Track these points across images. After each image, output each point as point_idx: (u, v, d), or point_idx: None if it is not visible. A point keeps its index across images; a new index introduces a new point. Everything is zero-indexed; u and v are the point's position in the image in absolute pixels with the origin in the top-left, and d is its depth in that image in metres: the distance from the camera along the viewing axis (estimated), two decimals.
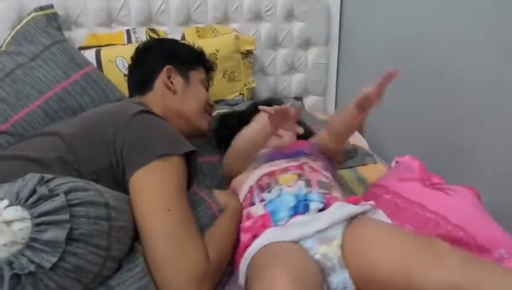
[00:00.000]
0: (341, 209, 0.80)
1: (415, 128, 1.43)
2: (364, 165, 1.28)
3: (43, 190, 0.59)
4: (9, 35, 1.23)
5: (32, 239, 0.56)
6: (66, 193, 0.60)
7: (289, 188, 0.87)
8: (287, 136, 1.09)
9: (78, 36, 1.40)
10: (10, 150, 0.85)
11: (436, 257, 0.66)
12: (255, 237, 0.78)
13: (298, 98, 1.70)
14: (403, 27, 1.43)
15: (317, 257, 0.73)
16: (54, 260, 0.56)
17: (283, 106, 0.88)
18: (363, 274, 0.71)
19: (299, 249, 0.75)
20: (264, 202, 0.86)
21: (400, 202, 0.95)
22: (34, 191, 0.59)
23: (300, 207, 0.82)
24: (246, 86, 1.55)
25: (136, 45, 1.15)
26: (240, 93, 1.54)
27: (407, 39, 1.41)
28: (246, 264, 0.76)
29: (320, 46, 1.71)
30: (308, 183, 0.88)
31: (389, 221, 0.85)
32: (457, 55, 1.22)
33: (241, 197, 0.94)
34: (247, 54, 1.55)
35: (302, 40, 1.68)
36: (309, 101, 1.76)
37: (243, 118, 1.15)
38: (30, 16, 1.25)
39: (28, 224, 0.56)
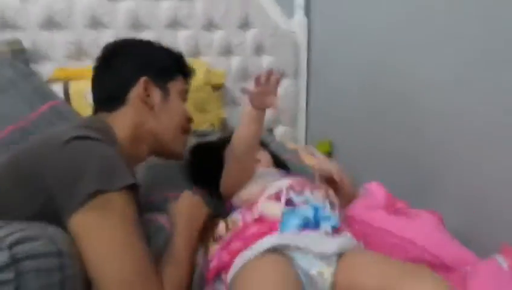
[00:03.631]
0: (350, 241, 0.84)
1: (384, 153, 1.47)
2: None
3: None
4: None
5: None
6: (10, 246, 0.54)
7: (316, 202, 0.88)
8: (264, 160, 1.11)
9: (45, 69, 1.38)
10: None
11: (407, 271, 0.72)
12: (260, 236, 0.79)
13: (269, 130, 1.72)
14: (368, 56, 1.50)
15: (312, 272, 0.75)
16: None
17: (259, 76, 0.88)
18: None
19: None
20: (284, 206, 0.85)
21: (368, 231, 0.97)
22: None
23: (312, 223, 0.82)
24: (217, 116, 1.55)
25: None
26: (211, 124, 1.54)
27: (374, 67, 1.48)
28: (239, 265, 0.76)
29: (290, 78, 1.76)
30: (333, 206, 0.90)
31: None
32: (423, 82, 1.28)
33: (266, 194, 0.91)
34: (218, 87, 1.57)
35: None
36: (279, 131, 1.80)
37: (217, 147, 1.11)
38: None
39: None
